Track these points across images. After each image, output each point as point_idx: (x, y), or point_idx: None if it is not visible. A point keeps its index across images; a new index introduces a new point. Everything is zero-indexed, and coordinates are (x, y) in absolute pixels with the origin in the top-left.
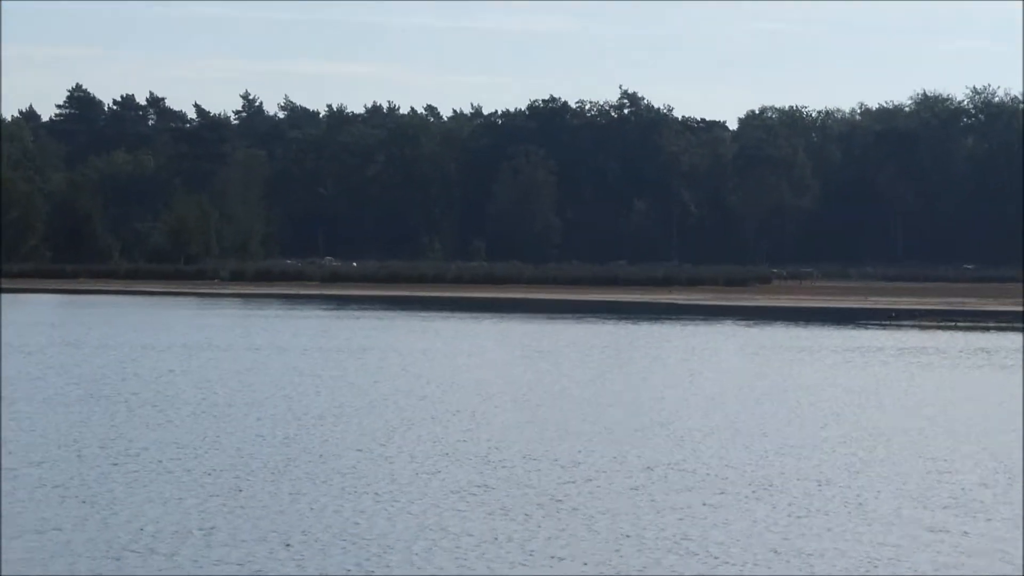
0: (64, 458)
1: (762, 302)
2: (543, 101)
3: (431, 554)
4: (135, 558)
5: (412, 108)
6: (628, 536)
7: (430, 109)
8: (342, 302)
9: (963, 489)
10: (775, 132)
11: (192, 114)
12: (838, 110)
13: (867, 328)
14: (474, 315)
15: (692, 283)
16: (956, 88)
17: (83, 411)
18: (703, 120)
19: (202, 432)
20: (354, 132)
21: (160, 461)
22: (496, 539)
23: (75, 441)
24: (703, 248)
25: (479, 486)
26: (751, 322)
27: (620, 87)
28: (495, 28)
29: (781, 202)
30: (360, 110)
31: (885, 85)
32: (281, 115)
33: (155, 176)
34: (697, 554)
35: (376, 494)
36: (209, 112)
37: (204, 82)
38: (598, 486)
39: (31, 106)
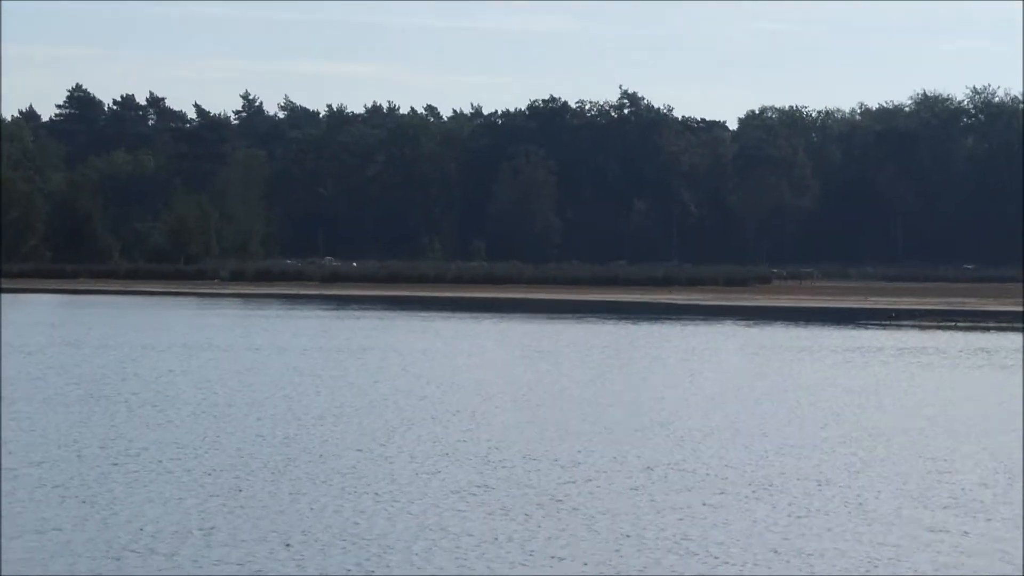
0: (64, 458)
1: (762, 302)
2: (543, 101)
3: (431, 554)
4: (135, 558)
5: (412, 108)
6: (628, 536)
7: (430, 109)
8: (342, 302)
9: (963, 489)
10: (775, 132)
11: (192, 114)
12: (838, 110)
13: (867, 328)
14: (474, 315)
15: (692, 283)
16: (956, 88)
17: (83, 411)
18: (703, 120)
19: (202, 432)
20: (354, 132)
21: (160, 461)
22: (496, 539)
23: (75, 441)
24: (703, 248)
25: (479, 486)
26: (751, 322)
27: (620, 87)
28: (495, 28)
29: (781, 202)
30: (360, 110)
31: (885, 85)
32: (281, 115)
33: (155, 176)
34: (697, 554)
35: (376, 494)
36: (209, 112)
37: (204, 82)
38: (598, 486)
39: (31, 106)
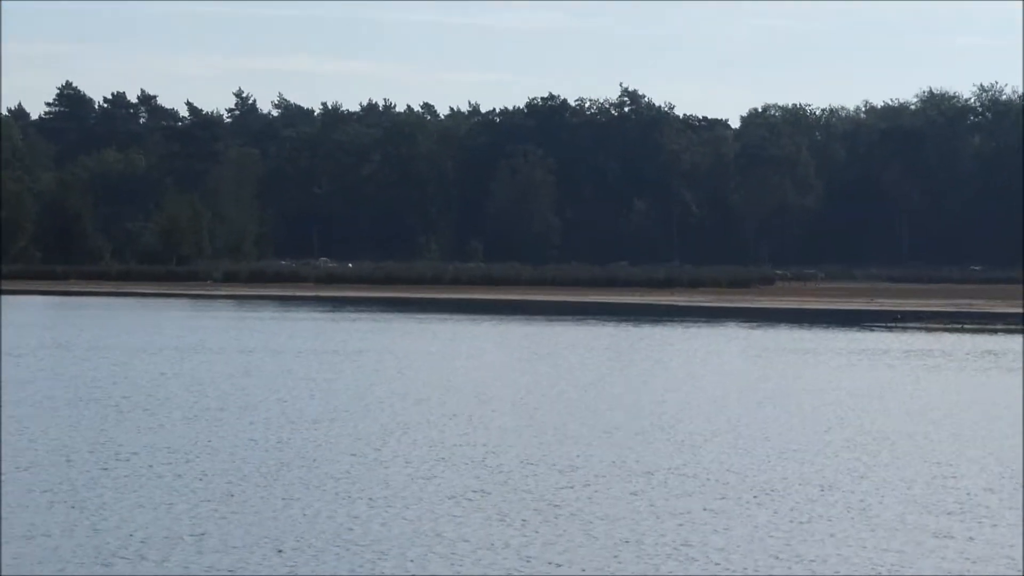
0: (53, 462)
1: (765, 304)
2: (542, 99)
3: (426, 560)
4: (125, 564)
5: (408, 106)
6: (627, 542)
7: (427, 107)
8: (337, 304)
9: (969, 494)
10: (778, 130)
11: (184, 112)
12: (842, 108)
13: (872, 330)
14: (472, 317)
15: (693, 284)
16: (963, 85)
17: (73, 415)
18: (705, 118)
19: (194, 436)
20: (349, 131)
21: (151, 466)
22: (492, 545)
23: (64, 445)
24: (705, 249)
25: (475, 491)
26: (754, 324)
27: (620, 85)
28: (493, 24)
29: (784, 202)
30: (355, 108)
31: (890, 82)
32: (275, 113)
33: (146, 175)
34: (697, 560)
35: (370, 499)
36: (201, 110)
37: (196, 79)
38: (596, 491)
39: (20, 104)
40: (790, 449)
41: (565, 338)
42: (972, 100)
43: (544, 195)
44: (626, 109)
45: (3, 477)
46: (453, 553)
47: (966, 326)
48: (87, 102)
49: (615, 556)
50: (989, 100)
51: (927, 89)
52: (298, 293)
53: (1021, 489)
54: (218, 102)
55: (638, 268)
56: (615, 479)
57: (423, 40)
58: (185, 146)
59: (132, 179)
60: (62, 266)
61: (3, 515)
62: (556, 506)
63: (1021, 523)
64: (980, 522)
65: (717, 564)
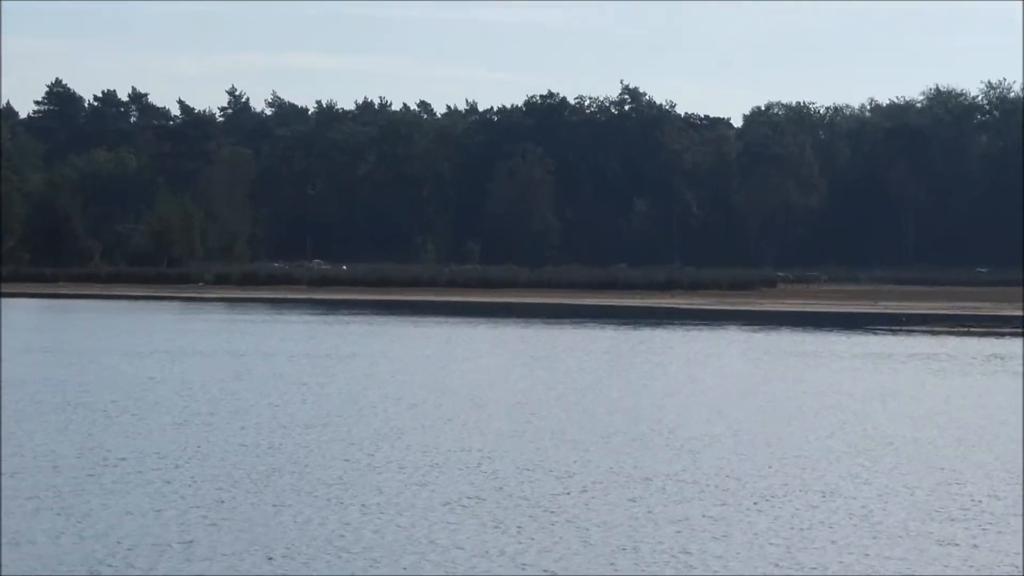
0: (39, 468)
1: (767, 306)
2: (541, 97)
3: (420, 568)
4: (111, 572)
5: (404, 104)
6: (624, 549)
7: (423, 105)
8: (331, 307)
9: (973, 500)
10: (781, 129)
11: (176, 110)
12: (847, 106)
13: (876, 334)
14: (468, 320)
15: (695, 287)
16: (970, 83)
17: (60, 419)
18: (706, 117)
19: (183, 441)
20: (344, 129)
21: (139, 471)
22: (487, 552)
23: (51, 451)
24: (706, 250)
25: (470, 497)
26: (756, 327)
27: (621, 82)
28: (491, 21)
29: (787, 202)
30: (350, 106)
31: (896, 80)
32: (268, 112)
33: (137, 175)
34: (695, 568)
35: (363, 506)
36: (193, 108)
37: (188, 77)
38: (593, 497)
39: (8, 102)
40: (791, 455)
41: (563, 341)
42: (979, 98)
43: (543, 195)
44: (626, 107)
45: None
46: (447, 560)
47: (972, 329)
48: (77, 100)
49: (612, 563)
50: (997, 98)
51: (933, 87)
52: (291, 296)
53: (1022, 494)
54: (210, 100)
55: (638, 270)
56: (612, 485)
57: (419, 37)
58: (176, 145)
59: (122, 179)
60: (51, 268)
61: None
62: (552, 512)
63: (1022, 529)
64: (985, 529)
65: (716, 572)
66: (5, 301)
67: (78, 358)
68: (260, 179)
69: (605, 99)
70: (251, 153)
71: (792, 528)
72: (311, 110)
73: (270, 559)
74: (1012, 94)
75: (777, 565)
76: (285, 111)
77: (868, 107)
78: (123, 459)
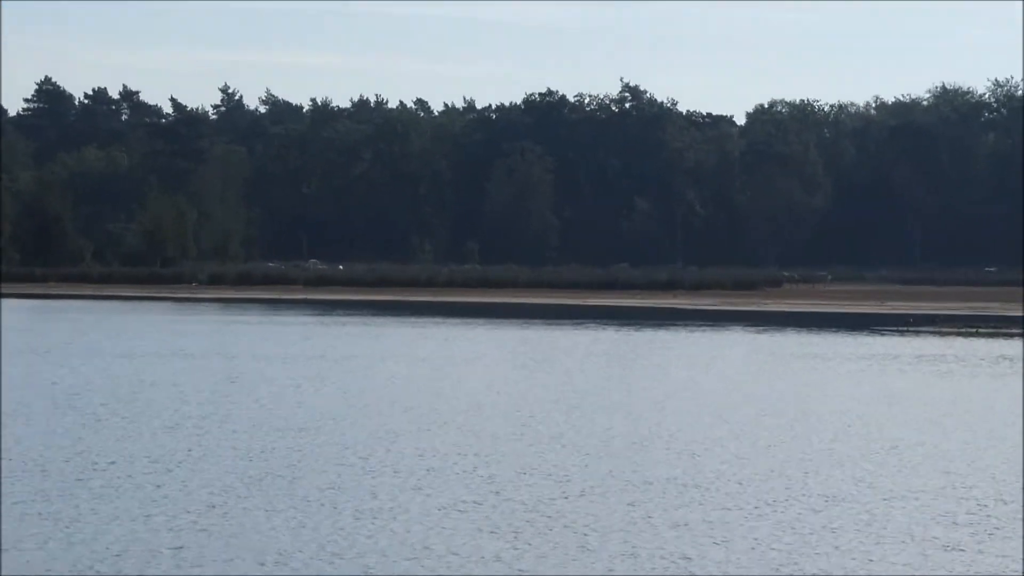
0: (27, 472)
1: (772, 307)
2: (540, 94)
3: (414, 574)
4: None
5: (401, 102)
6: (622, 555)
7: (420, 103)
8: (327, 307)
9: (980, 505)
10: (785, 127)
11: (168, 108)
12: (852, 104)
13: (883, 335)
14: (467, 321)
15: (697, 287)
16: (977, 80)
17: (48, 423)
18: (709, 115)
19: (174, 445)
20: (339, 127)
21: (129, 476)
22: (483, 558)
23: (39, 455)
24: (709, 250)
25: (466, 501)
26: (760, 328)
27: (621, 79)
28: (489, 17)
29: (791, 201)
30: (346, 104)
31: (902, 77)
32: (262, 109)
33: (129, 174)
34: (695, 573)
35: (356, 511)
36: (186, 106)
37: (181, 74)
38: (592, 501)
39: None
40: (794, 458)
41: (563, 343)
42: (987, 95)
43: (542, 194)
44: (627, 105)
45: None
46: (442, 566)
47: (980, 330)
48: (67, 98)
49: (610, 569)
50: (1004, 95)
51: (939, 84)
52: (286, 296)
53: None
54: (203, 98)
55: (639, 270)
56: (611, 489)
57: (416, 33)
58: (169, 144)
59: (114, 178)
60: (41, 268)
61: None
62: (549, 517)
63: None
64: (991, 534)
65: None
66: None
67: (68, 360)
68: (254, 178)
69: (605, 96)
70: (245, 151)
71: (794, 533)
72: (306, 108)
73: (261, 565)
74: (1020, 91)
75: (779, 571)
76: (279, 109)
77: (873, 105)
78: (113, 463)
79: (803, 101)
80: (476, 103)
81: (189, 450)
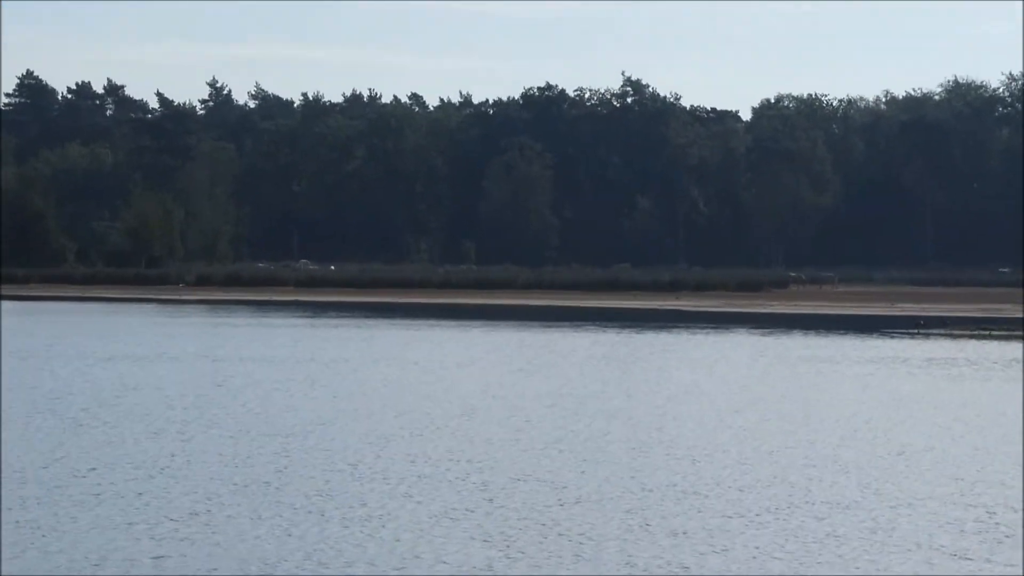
0: (4, 479)
1: (778, 309)
2: (539, 89)
3: None
4: None
5: (395, 96)
6: (618, 564)
7: (415, 98)
8: (318, 309)
9: (989, 512)
10: (792, 123)
11: (154, 103)
12: (861, 99)
13: (892, 337)
14: (463, 323)
15: (701, 288)
16: (990, 74)
17: (27, 428)
18: (713, 110)
19: (157, 451)
20: (331, 123)
21: (111, 483)
22: (474, 567)
23: (16, 460)
24: (713, 250)
25: (457, 509)
26: (765, 331)
27: (623, 73)
28: (486, 9)
29: (799, 199)
30: (338, 99)
31: (913, 71)
32: (251, 104)
33: (114, 171)
34: None
35: (344, 518)
36: (173, 101)
37: (167, 68)
38: (588, 509)
39: None
40: (798, 464)
41: (562, 345)
42: (1000, 90)
43: (541, 192)
44: (629, 100)
45: None
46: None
47: (993, 332)
48: (50, 93)
49: None
50: (1018, 90)
51: (952, 78)
52: (276, 298)
53: None
54: (191, 93)
55: (641, 270)
56: (608, 496)
57: (411, 25)
58: (155, 140)
59: (98, 175)
60: (23, 269)
61: None
62: (543, 525)
63: None
64: (1000, 542)
65: None
66: None
67: (49, 363)
68: (243, 175)
69: (606, 91)
70: (233, 148)
71: (797, 541)
72: (296, 103)
73: (245, 574)
74: None
75: None
76: (269, 104)
77: (883, 99)
78: (93, 469)
79: (811, 96)
80: (473, 98)
81: (173, 456)
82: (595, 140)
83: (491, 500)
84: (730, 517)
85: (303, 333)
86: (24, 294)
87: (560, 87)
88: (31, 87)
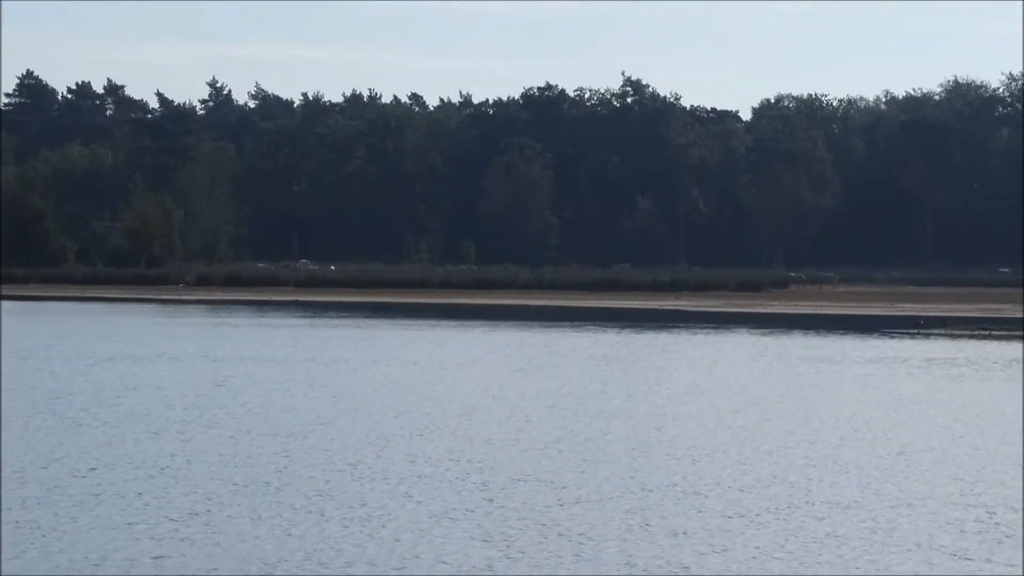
0: (4, 479)
1: (778, 309)
2: (538, 89)
3: None
4: None
5: (395, 97)
6: (618, 564)
7: (415, 98)
8: (318, 309)
9: (989, 513)
10: (792, 123)
11: (154, 103)
12: (861, 99)
13: (892, 337)
14: (462, 323)
15: (701, 288)
16: (991, 74)
17: (26, 428)
18: (713, 110)
19: (156, 451)
20: (331, 123)
21: (111, 483)
22: (474, 567)
23: (16, 460)
24: (713, 250)
25: (457, 509)
26: (766, 331)
27: (623, 73)
28: (486, 9)
29: (799, 200)
30: (338, 99)
31: (913, 71)
32: (251, 104)
33: (113, 171)
34: None
35: (344, 518)
36: (173, 101)
37: (168, 68)
38: (588, 509)
39: None
40: (798, 464)
41: (562, 345)
42: (1001, 90)
43: (541, 193)
44: (629, 100)
45: None
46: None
47: (993, 333)
48: (50, 93)
49: None
50: (1019, 90)
51: (952, 78)
52: (276, 298)
53: None
54: (191, 93)
55: (641, 271)
56: (608, 496)
57: (410, 25)
58: (155, 140)
59: (98, 175)
60: (23, 269)
61: None
62: (543, 525)
63: None
64: (1000, 542)
65: None
66: None
67: (49, 363)
68: (243, 175)
69: (606, 91)
70: (233, 148)
71: (797, 541)
72: (296, 103)
73: (245, 574)
74: None
75: None
76: (269, 104)
77: (883, 100)
78: (93, 469)
79: (811, 96)
80: (473, 98)
81: (172, 456)
82: (595, 140)
83: (491, 500)
84: (730, 517)
85: (303, 333)
86: (24, 294)
87: (560, 87)
88: (31, 87)
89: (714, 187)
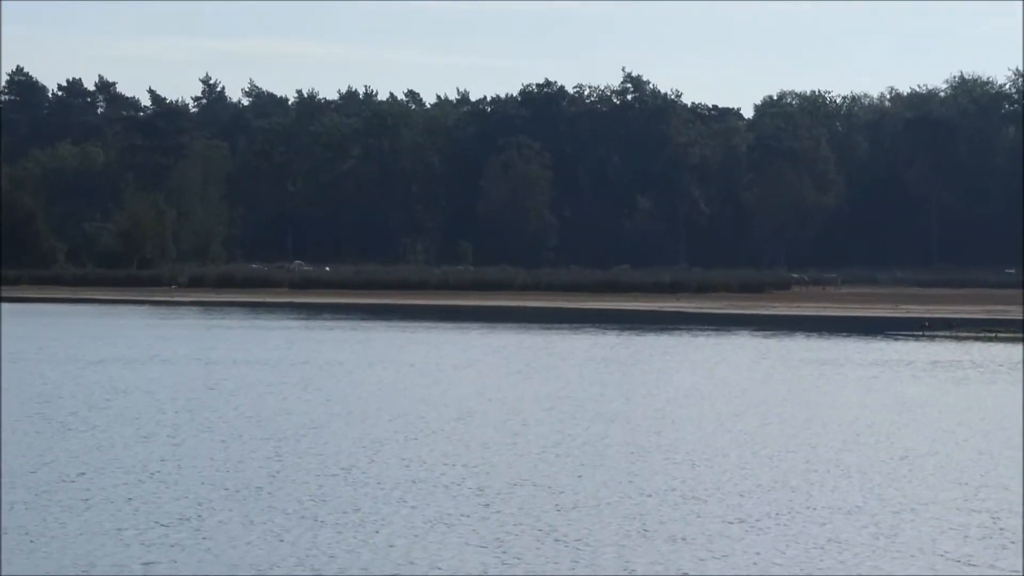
0: None
1: (780, 311)
2: (537, 86)
3: None
4: None
5: (391, 94)
6: (616, 570)
7: (411, 95)
8: (313, 311)
9: (994, 518)
10: (795, 120)
11: (146, 101)
12: (865, 96)
13: (897, 339)
14: (460, 325)
15: (702, 289)
16: (997, 70)
17: (15, 432)
18: (715, 107)
19: (147, 455)
20: (326, 121)
21: (101, 488)
22: (469, 573)
23: (4, 464)
24: (714, 250)
25: (452, 514)
26: (767, 333)
27: (623, 70)
28: (483, 4)
29: (802, 199)
30: (333, 96)
31: (917, 67)
32: (245, 102)
33: (105, 170)
34: None
35: (337, 524)
36: (165, 98)
37: (160, 64)
38: (586, 514)
39: None
40: (799, 469)
41: (560, 347)
42: (1007, 86)
43: (539, 192)
44: (629, 97)
45: None
46: None
47: (1000, 335)
48: (40, 90)
49: None
50: None
51: (958, 74)
52: (270, 299)
53: None
54: (183, 90)
55: (641, 272)
56: (606, 501)
57: (407, 21)
58: (147, 138)
59: (89, 175)
60: (12, 270)
61: None
62: (540, 530)
63: None
64: (1004, 548)
65: None
66: None
67: (38, 366)
68: (237, 174)
69: (606, 88)
70: (227, 146)
71: (799, 547)
72: (291, 100)
73: None
74: None
75: None
76: (263, 101)
77: (888, 96)
78: (82, 474)
79: (814, 93)
80: (470, 95)
81: (163, 460)
82: (595, 138)
83: (487, 505)
84: (730, 522)
85: (297, 335)
86: (14, 295)
87: (559, 84)
88: (21, 84)
89: (715, 186)
